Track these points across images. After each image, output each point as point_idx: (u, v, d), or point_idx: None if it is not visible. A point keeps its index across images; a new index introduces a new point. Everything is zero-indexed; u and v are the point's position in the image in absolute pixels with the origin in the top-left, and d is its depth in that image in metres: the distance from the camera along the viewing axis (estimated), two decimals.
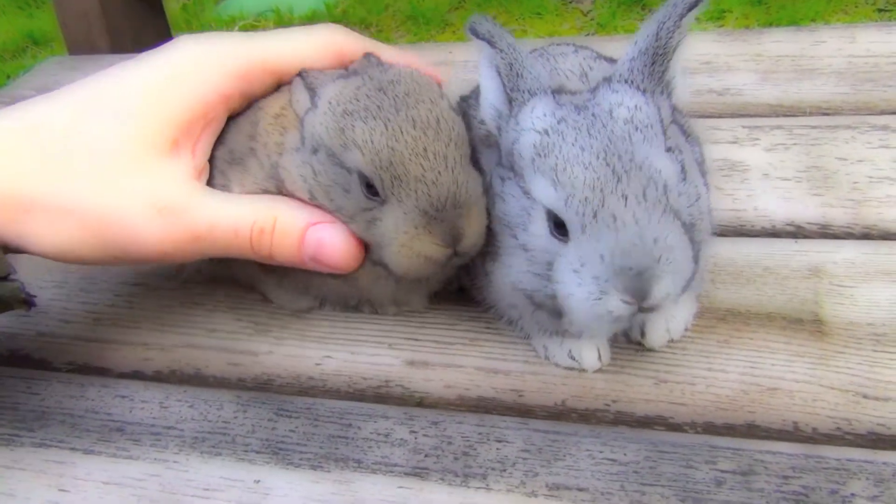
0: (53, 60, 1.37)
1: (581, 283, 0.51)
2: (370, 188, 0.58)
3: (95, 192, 0.60)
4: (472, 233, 0.58)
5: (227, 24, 3.86)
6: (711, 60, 1.07)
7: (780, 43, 1.08)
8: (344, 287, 0.69)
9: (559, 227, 0.53)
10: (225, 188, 0.66)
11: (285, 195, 0.64)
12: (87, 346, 0.74)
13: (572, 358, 0.64)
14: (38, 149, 0.61)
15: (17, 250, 0.62)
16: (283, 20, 3.91)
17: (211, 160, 0.67)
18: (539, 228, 0.55)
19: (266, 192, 0.65)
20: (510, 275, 0.59)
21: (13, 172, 0.60)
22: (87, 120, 0.62)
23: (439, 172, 0.56)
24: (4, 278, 0.60)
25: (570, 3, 4.14)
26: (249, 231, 0.62)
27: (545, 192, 0.53)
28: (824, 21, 4.05)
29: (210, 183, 0.67)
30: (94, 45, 1.41)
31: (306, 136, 0.62)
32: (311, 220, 0.62)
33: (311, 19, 3.83)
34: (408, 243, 0.58)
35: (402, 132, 0.56)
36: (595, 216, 0.51)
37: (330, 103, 0.59)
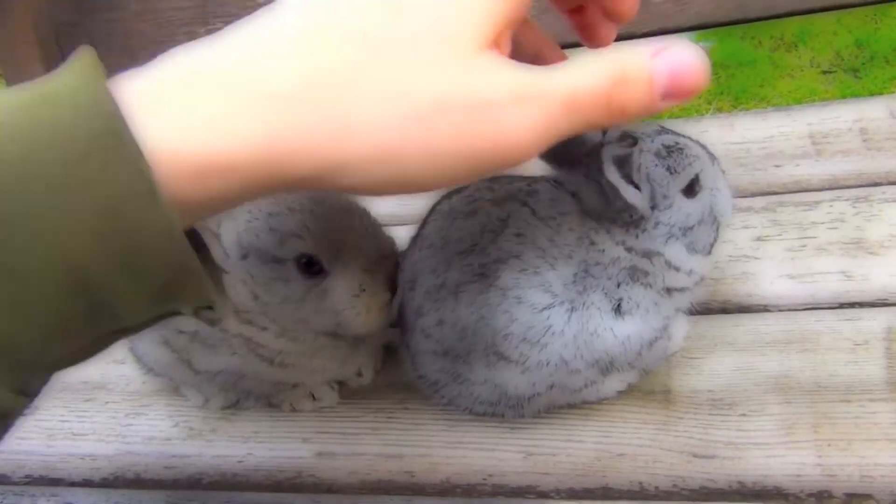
0: None
1: None
2: (309, 267, 0.66)
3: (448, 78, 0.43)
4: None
5: None
6: None
7: None
8: (279, 374, 0.76)
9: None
10: None
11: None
12: (43, 459, 0.84)
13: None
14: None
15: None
16: None
17: None
18: None
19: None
20: None
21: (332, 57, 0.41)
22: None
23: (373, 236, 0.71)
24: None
25: None
26: (610, 84, 0.45)
27: None
28: (772, 86, 4.25)
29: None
30: None
31: (228, 247, 0.67)
32: (648, 50, 0.46)
33: None
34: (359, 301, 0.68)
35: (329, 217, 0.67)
36: None
37: (250, 211, 0.66)
